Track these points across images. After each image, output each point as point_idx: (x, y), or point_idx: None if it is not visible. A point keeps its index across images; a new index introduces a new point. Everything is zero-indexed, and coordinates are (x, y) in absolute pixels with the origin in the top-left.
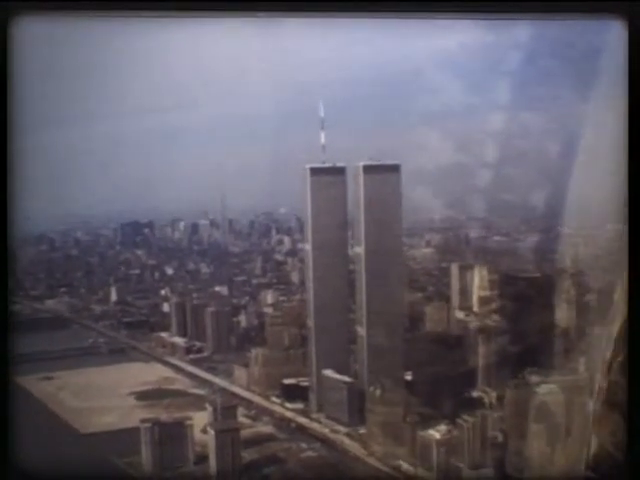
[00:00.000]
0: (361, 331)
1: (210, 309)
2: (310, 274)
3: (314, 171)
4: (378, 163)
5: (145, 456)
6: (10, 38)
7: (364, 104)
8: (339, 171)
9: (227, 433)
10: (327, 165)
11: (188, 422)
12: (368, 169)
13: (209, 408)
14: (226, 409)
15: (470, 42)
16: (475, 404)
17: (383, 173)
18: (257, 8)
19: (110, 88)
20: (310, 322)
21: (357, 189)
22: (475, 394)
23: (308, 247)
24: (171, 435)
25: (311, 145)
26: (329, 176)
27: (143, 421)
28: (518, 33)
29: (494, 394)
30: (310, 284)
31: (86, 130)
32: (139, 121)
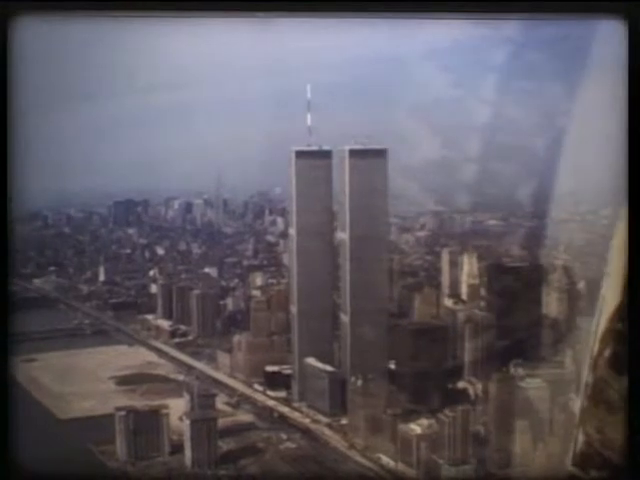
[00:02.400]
0: (344, 319)
1: (195, 292)
2: (294, 259)
3: (299, 154)
4: (364, 147)
5: (119, 445)
6: (10, 38)
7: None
8: (325, 154)
9: (203, 423)
10: (313, 148)
11: (164, 411)
12: (354, 153)
13: (186, 396)
14: (204, 397)
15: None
16: (460, 396)
17: (369, 158)
18: (257, 8)
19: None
20: (293, 308)
21: (342, 173)
22: (460, 385)
23: (292, 232)
24: (146, 424)
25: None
26: (315, 159)
27: (118, 409)
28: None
29: (479, 385)
30: (294, 269)
31: (82, 110)
32: (135, 101)
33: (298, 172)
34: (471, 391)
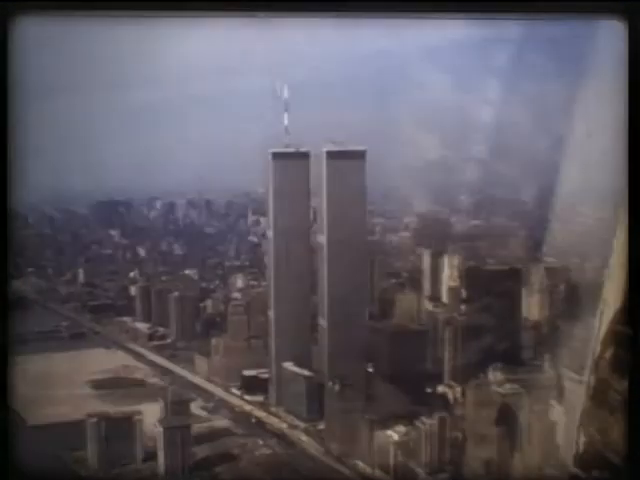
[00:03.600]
0: (322, 322)
1: (174, 294)
2: (271, 262)
3: (276, 156)
4: (342, 149)
5: (91, 452)
6: (10, 38)
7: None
8: (303, 156)
9: (176, 430)
10: (290, 150)
11: (137, 417)
12: (332, 155)
13: (160, 402)
14: (178, 403)
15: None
16: (439, 400)
17: (348, 159)
18: (257, 8)
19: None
20: (270, 312)
21: (320, 175)
22: (440, 390)
23: (270, 234)
24: (119, 431)
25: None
26: (292, 161)
27: (89, 415)
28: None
29: (459, 389)
30: (271, 272)
31: (64, 105)
32: (118, 98)
33: (275, 174)
34: (450, 395)
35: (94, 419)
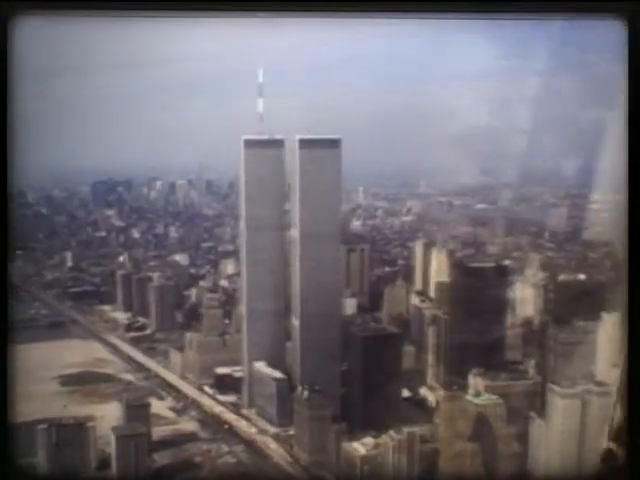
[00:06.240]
0: (295, 322)
1: (154, 284)
2: (243, 256)
3: (249, 143)
4: (316, 137)
5: (41, 459)
6: (10, 38)
7: None
8: (276, 144)
9: (130, 439)
10: (263, 137)
11: (90, 424)
12: (305, 143)
13: (119, 406)
14: (136, 408)
15: None
16: (415, 408)
17: (322, 148)
18: (257, 8)
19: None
20: (242, 308)
21: (293, 165)
22: (422, 392)
23: (242, 225)
24: (71, 437)
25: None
26: (265, 149)
27: (40, 422)
28: None
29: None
30: (243, 267)
31: (70, 85)
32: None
33: (247, 162)
34: (431, 398)
35: (44, 426)
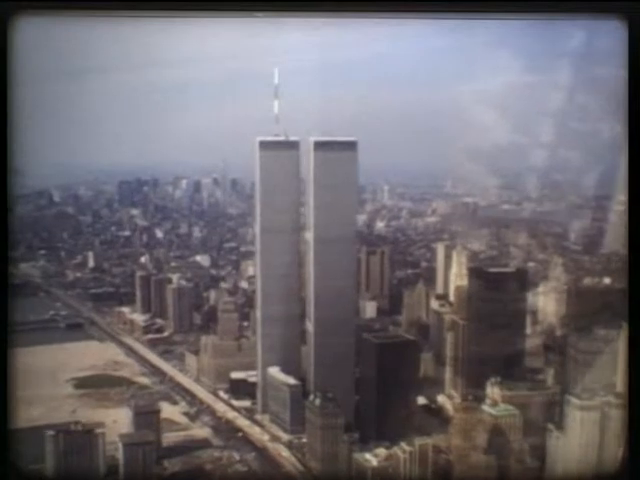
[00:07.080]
0: (309, 327)
1: (172, 286)
2: (258, 260)
3: (264, 145)
4: (332, 139)
5: (49, 466)
6: (10, 38)
7: None
8: (292, 146)
9: (138, 447)
10: (278, 139)
11: (98, 430)
12: (320, 145)
13: (129, 413)
14: (145, 415)
15: None
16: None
17: (337, 151)
18: (256, 8)
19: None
20: (257, 313)
21: (308, 167)
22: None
23: (257, 229)
24: (79, 444)
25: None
26: (281, 151)
27: (47, 428)
28: None
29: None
30: (258, 271)
31: (91, 84)
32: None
33: (262, 164)
34: (448, 409)
35: (52, 432)
